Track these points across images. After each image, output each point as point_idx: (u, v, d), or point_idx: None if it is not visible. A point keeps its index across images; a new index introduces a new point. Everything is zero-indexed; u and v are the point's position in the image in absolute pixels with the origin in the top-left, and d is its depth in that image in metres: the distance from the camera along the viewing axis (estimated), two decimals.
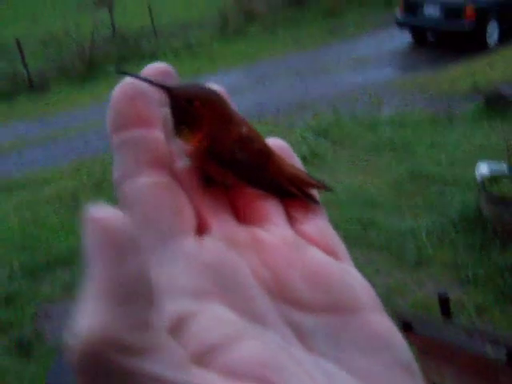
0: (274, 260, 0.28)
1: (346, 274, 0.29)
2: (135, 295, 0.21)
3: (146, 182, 0.28)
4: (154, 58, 9.78)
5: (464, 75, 7.76)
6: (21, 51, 11.11)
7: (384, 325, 0.28)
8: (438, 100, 7.13)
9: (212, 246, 0.28)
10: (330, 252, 0.30)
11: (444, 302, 2.39)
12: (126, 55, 11.42)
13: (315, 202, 0.34)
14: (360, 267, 0.31)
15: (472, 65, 8.17)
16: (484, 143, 5.54)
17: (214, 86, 0.33)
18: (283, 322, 0.26)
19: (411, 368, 0.27)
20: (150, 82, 0.30)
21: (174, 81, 0.32)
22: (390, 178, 5.11)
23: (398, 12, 10.09)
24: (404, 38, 10.07)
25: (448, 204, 4.44)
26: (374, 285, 0.30)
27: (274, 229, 0.30)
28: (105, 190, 5.80)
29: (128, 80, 0.30)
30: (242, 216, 0.31)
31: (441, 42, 9.71)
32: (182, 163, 0.32)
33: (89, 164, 6.55)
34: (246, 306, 0.26)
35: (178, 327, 0.23)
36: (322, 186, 0.36)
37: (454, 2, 9.36)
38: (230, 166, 0.32)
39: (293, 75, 8.96)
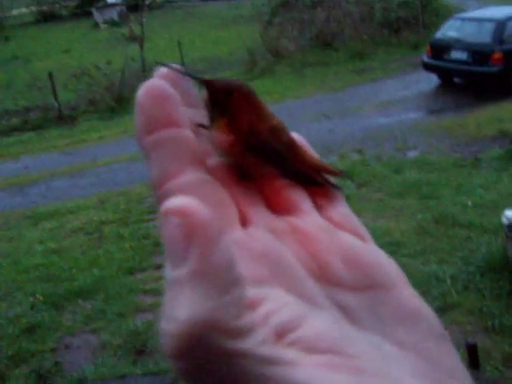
0: (312, 246, 0.30)
1: (376, 255, 0.32)
2: (228, 280, 0.23)
3: (190, 179, 0.29)
4: None
5: (491, 119, 7.73)
6: (52, 84, 11.34)
7: (415, 298, 0.31)
8: (465, 144, 7.11)
9: (260, 236, 0.29)
10: (357, 235, 0.33)
11: (472, 352, 2.34)
12: None
13: (337, 188, 0.36)
14: None
15: (499, 109, 8.15)
16: (511, 189, 5.49)
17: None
18: (330, 302, 0.28)
19: (444, 336, 0.30)
20: (190, 75, 0.32)
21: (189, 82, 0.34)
22: (415, 222, 5.07)
23: (425, 55, 10.15)
24: (431, 80, 10.09)
25: (474, 249, 4.39)
26: None
27: (306, 217, 0.32)
28: (129, 222, 5.84)
29: (151, 82, 0.30)
30: (273, 206, 0.33)
31: (468, 86, 9.71)
32: (214, 159, 0.33)
33: (114, 197, 6.60)
34: (298, 289, 0.27)
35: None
36: (342, 174, 0.40)
37: (482, 46, 9.38)
38: (265, 156, 0.34)
39: (319, 115, 9.01)
